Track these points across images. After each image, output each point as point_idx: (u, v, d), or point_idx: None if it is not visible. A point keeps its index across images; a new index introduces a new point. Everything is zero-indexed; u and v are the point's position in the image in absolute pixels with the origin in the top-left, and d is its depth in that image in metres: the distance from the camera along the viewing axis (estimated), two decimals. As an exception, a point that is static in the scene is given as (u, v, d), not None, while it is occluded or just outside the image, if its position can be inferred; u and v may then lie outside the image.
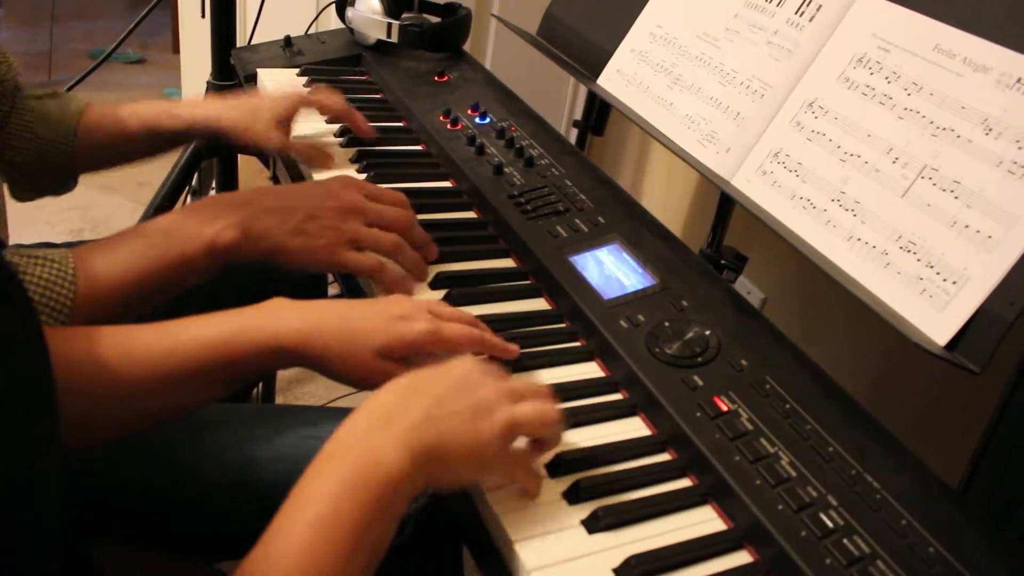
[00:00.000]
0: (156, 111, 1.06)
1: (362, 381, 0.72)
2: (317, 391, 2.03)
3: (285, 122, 1.07)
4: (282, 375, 2.02)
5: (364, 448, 0.58)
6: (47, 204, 1.11)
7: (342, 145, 1.15)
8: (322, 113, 1.14)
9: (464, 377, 0.65)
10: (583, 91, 2.19)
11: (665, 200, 2.07)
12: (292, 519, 0.55)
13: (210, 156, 1.70)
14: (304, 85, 1.32)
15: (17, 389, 0.42)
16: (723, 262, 1.15)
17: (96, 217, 2.61)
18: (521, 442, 0.66)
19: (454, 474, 0.62)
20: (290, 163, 1.14)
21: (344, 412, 0.91)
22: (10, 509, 0.42)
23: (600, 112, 1.53)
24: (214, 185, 1.83)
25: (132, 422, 0.68)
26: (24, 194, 1.09)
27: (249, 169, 1.79)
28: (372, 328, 0.70)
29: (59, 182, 1.09)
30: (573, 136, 1.61)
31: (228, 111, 1.06)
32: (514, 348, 0.78)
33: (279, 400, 1.94)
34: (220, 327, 0.68)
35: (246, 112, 1.06)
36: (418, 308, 0.74)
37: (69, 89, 1.56)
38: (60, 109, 1.04)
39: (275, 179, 1.60)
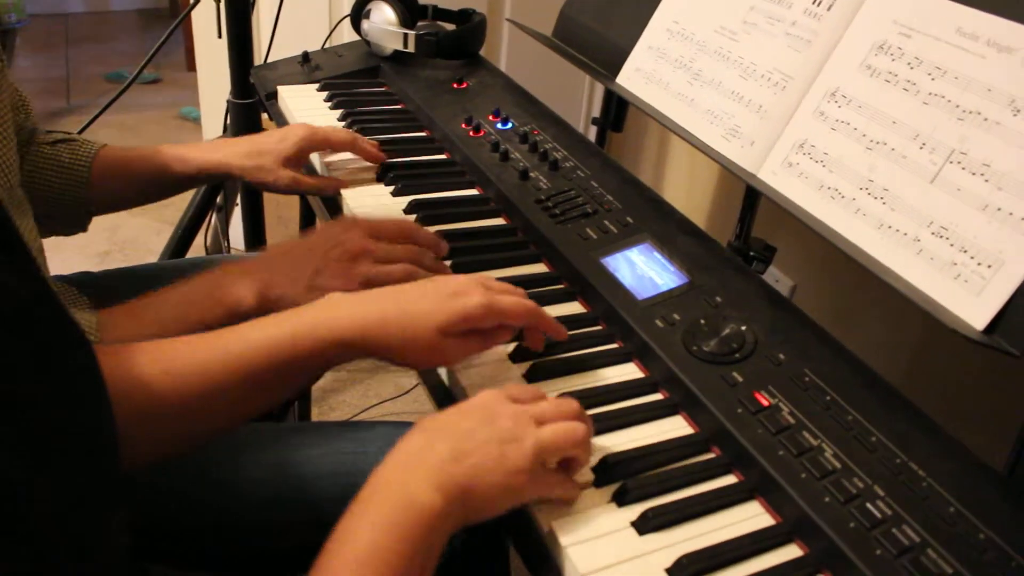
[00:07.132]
0: (166, 157, 1.08)
1: (428, 362, 0.74)
2: (352, 400, 2.05)
3: (293, 162, 1.10)
4: (315, 384, 2.04)
5: (397, 489, 0.59)
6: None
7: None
8: (332, 149, 1.15)
9: (487, 409, 0.65)
10: (600, 87, 2.19)
11: (688, 191, 2.07)
12: (333, 558, 0.56)
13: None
14: (325, 100, 1.33)
15: (75, 397, 0.43)
16: (752, 254, 1.15)
17: (123, 238, 2.64)
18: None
19: (488, 506, 0.62)
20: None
21: (390, 425, 0.92)
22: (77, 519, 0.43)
23: (619, 108, 1.53)
24: (238, 202, 1.85)
25: (192, 437, 0.69)
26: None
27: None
28: (429, 308, 0.72)
29: (68, 224, 1.08)
30: (592, 133, 1.61)
31: (237, 157, 1.09)
32: (565, 330, 0.79)
33: (314, 409, 1.96)
34: (280, 328, 0.69)
35: (254, 155, 1.09)
36: (470, 282, 0.75)
37: (92, 121, 1.59)
38: (72, 155, 1.04)
39: (306, 205, 1.61)
